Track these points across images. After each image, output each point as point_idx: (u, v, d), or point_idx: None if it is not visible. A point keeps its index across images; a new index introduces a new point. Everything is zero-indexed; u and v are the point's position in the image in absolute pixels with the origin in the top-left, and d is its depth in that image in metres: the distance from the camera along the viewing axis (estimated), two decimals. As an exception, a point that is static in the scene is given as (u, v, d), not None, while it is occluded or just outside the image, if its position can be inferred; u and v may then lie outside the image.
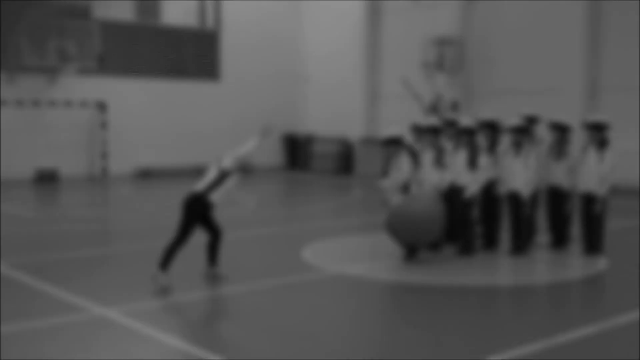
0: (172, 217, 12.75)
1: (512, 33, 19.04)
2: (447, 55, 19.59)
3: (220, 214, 8.15)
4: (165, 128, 22.51)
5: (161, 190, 18.15)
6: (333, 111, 24.52)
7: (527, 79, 18.80)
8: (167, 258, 7.31)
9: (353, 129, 23.50)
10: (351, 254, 9.54)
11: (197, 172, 22.62)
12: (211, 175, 7.61)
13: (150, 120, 22.16)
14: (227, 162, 7.63)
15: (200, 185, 7.57)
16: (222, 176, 7.56)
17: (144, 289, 7.28)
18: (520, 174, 8.87)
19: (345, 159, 23.34)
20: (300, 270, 8.38)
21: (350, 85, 23.67)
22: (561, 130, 9.25)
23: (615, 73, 17.03)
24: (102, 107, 20.85)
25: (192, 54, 23.13)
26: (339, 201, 15.84)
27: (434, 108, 18.02)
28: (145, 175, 21.84)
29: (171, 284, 7.34)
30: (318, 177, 21.90)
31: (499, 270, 8.59)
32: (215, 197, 7.49)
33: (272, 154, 24.74)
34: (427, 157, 8.91)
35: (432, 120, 9.58)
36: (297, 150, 25.10)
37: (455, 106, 18.01)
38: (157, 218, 12.60)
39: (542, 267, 8.75)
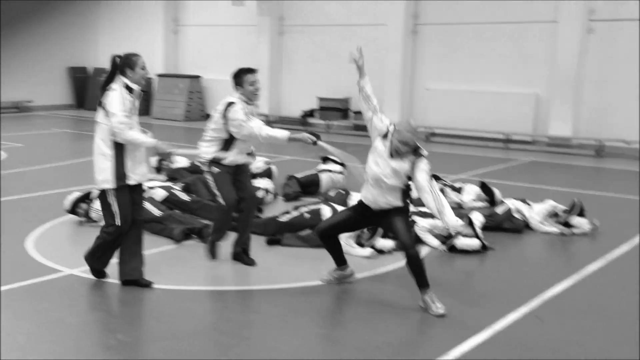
0: None
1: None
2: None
3: None
4: None
5: None
6: (128, 42, 21.07)
7: (344, 11, 16.91)
8: None
9: (151, 63, 20.31)
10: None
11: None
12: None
13: None
14: None
15: None
16: None
17: None
18: None
19: (143, 98, 20.21)
20: (28, 269, 5.81)
21: (147, 9, 20.32)
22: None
23: (435, 7, 15.70)
24: None
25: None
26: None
27: None
28: None
29: None
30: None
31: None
32: None
33: (54, 91, 20.88)
34: None
35: None
36: (85, 87, 21.35)
37: None
38: None
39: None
